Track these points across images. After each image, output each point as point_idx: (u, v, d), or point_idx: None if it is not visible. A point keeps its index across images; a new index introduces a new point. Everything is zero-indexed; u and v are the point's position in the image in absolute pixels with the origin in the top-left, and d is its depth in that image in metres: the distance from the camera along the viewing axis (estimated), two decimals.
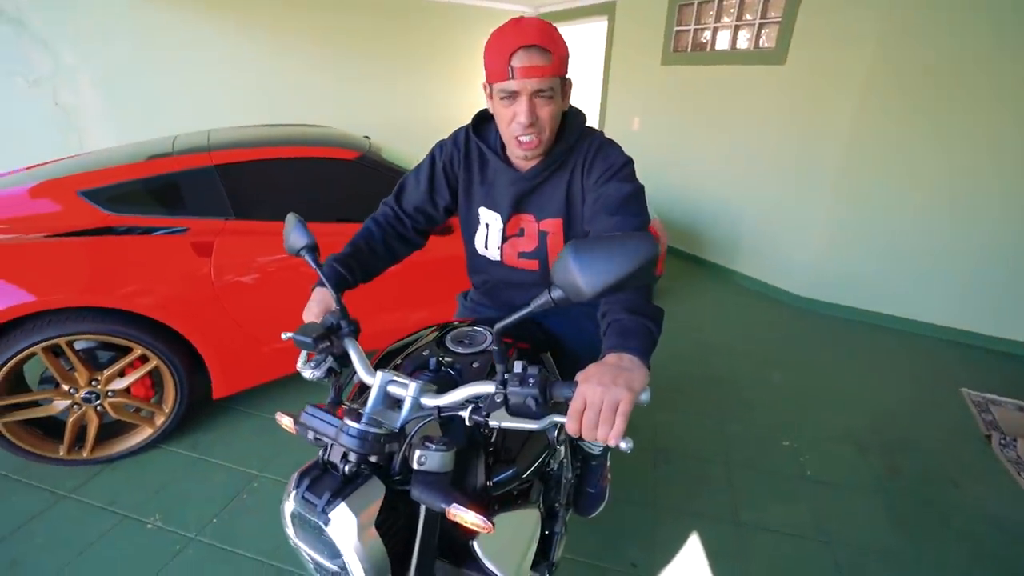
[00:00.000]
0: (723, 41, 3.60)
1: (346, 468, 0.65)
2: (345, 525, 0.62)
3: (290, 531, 0.69)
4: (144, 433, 1.91)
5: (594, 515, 1.57)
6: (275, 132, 2.42)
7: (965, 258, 2.89)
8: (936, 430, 2.27)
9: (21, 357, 1.62)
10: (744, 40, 3.46)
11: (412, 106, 5.16)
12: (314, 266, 0.87)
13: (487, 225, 1.11)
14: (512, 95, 0.88)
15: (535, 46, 0.85)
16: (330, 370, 0.84)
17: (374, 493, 0.66)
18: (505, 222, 1.08)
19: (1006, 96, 2.55)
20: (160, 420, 1.92)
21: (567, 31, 5.48)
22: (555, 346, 1.16)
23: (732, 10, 3.46)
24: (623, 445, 0.61)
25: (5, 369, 1.61)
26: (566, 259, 0.58)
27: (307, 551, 0.68)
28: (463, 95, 5.44)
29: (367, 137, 2.72)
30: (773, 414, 2.33)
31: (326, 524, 0.62)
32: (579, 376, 0.65)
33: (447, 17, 5.10)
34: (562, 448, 1.10)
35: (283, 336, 0.83)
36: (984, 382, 2.61)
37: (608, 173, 0.96)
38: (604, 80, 4.83)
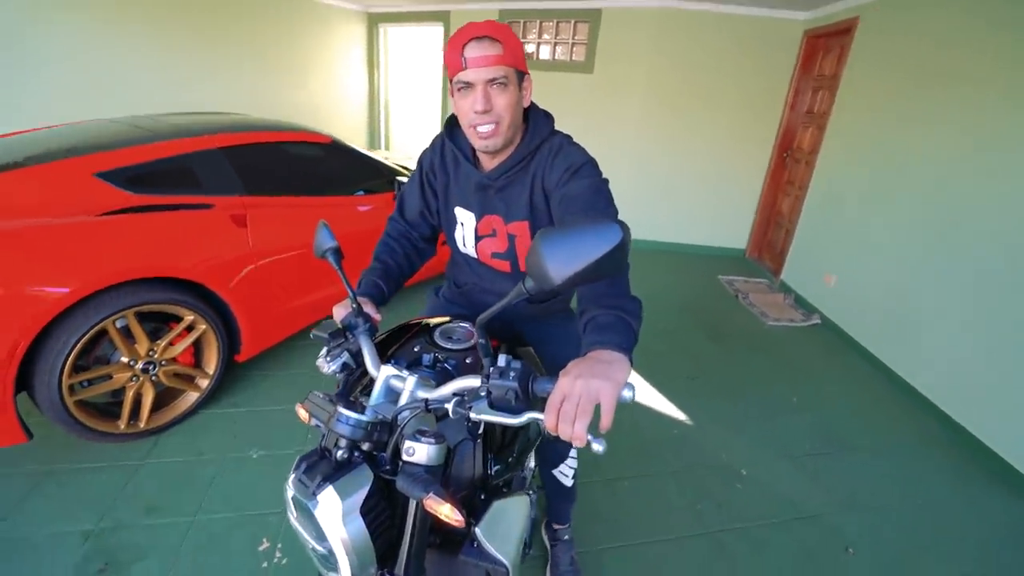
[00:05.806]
0: (545, 53, 4.77)
1: (338, 454, 0.67)
2: (331, 508, 0.64)
3: (291, 512, 0.71)
4: (191, 397, 2.05)
5: None
6: (252, 119, 2.59)
7: (706, 198, 4.71)
8: (712, 299, 3.89)
9: (94, 333, 1.68)
10: (561, 54, 4.68)
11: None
12: (336, 268, 0.91)
13: (462, 224, 1.13)
14: (468, 85, 0.91)
15: (486, 37, 0.88)
16: (344, 365, 0.87)
17: (362, 480, 0.67)
18: (477, 221, 1.10)
19: (718, 103, 4.33)
20: (204, 382, 2.07)
21: (398, 32, 6.00)
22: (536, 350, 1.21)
23: (551, 29, 4.64)
24: (596, 447, 0.59)
25: (80, 343, 1.65)
26: (535, 247, 0.58)
27: (302, 533, 0.70)
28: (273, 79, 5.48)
29: None
30: None
31: (314, 507, 0.64)
32: (561, 372, 0.64)
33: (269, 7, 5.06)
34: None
35: (311, 335, 0.91)
36: (728, 271, 4.44)
37: (568, 172, 0.96)
38: (444, 83, 5.55)
